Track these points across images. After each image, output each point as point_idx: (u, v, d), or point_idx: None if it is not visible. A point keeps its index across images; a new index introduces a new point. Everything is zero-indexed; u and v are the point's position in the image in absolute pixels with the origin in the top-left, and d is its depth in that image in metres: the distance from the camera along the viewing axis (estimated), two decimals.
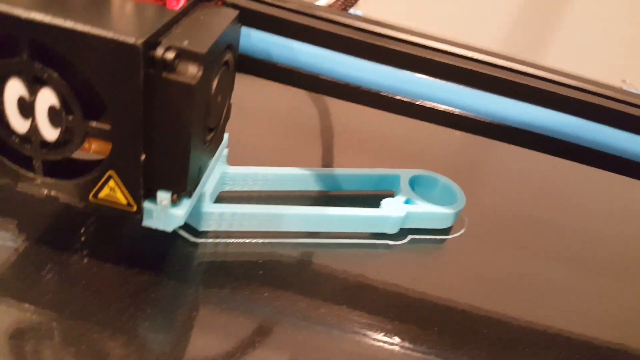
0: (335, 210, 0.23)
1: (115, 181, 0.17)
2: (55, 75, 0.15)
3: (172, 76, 0.15)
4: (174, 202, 0.17)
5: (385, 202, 0.24)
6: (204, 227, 0.22)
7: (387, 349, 0.19)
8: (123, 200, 0.17)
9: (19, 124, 0.16)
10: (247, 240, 0.22)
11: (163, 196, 0.17)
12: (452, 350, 0.19)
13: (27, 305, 0.17)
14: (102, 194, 0.17)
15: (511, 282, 0.23)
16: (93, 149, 0.17)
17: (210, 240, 0.22)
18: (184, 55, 0.15)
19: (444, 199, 0.25)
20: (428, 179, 0.26)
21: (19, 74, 0.15)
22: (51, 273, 0.18)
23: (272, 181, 0.24)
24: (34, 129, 0.16)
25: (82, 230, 0.20)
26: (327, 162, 0.29)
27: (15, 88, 0.15)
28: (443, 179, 0.26)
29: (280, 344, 0.18)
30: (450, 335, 0.20)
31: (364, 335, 0.19)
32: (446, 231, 0.25)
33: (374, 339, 0.19)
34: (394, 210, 0.24)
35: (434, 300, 0.21)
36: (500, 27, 0.61)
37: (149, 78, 0.15)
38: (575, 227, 0.29)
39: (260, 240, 0.22)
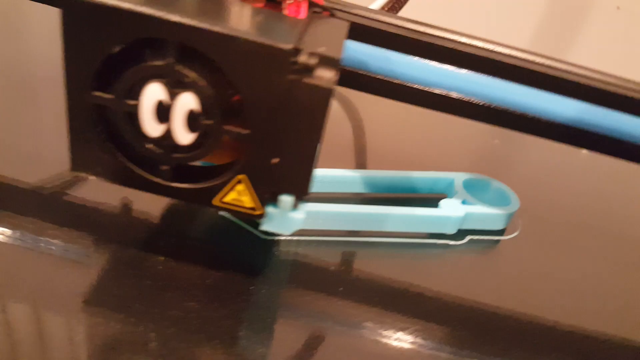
0: (400, 210, 0.24)
1: (244, 185, 0.17)
2: (200, 80, 0.15)
3: (312, 80, 0.15)
4: (295, 207, 0.18)
5: (443, 202, 0.25)
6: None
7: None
8: (248, 204, 0.17)
9: (153, 128, 0.16)
10: (315, 238, 0.23)
11: (286, 200, 0.17)
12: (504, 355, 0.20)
13: (118, 315, 0.17)
14: (228, 198, 0.17)
15: (565, 285, 0.24)
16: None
17: (283, 238, 0.22)
18: (322, 61, 0.15)
19: (497, 202, 0.26)
20: (480, 182, 0.27)
21: (161, 77, 0.15)
22: (135, 280, 0.18)
23: (321, 183, 0.25)
24: (167, 133, 0.16)
25: (160, 236, 0.20)
26: (363, 164, 0.30)
27: (154, 91, 0.16)
28: (496, 182, 0.27)
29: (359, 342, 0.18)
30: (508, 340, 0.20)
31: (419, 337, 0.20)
32: (500, 233, 0.26)
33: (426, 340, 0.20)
34: (454, 211, 0.25)
35: (494, 303, 0.22)
36: (530, 28, 0.62)
37: (290, 83, 0.15)
38: (632, 233, 0.29)
39: (327, 239, 0.23)
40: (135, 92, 0.16)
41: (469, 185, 0.27)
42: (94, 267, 0.18)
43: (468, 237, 0.25)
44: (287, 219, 0.18)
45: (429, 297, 0.22)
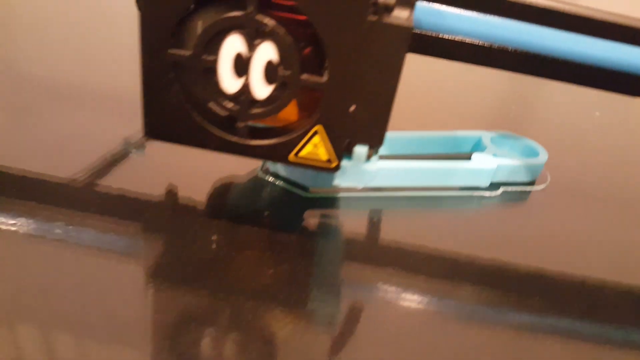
0: (436, 164, 0.24)
1: (320, 137, 0.17)
2: (280, 28, 0.15)
3: (391, 20, 0.15)
4: (369, 158, 0.18)
5: (475, 156, 0.26)
6: (318, 184, 0.22)
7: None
8: (324, 157, 0.17)
9: (231, 83, 0.16)
10: (351, 195, 0.23)
11: (360, 151, 0.18)
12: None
13: (185, 289, 0.17)
14: (303, 152, 0.17)
15: (594, 235, 0.25)
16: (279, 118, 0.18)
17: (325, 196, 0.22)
18: (400, 1, 0.16)
19: (525, 155, 0.27)
20: (508, 138, 0.28)
21: (241, 28, 0.15)
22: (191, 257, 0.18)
23: None
24: (245, 87, 0.16)
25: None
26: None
27: (234, 44, 0.16)
28: (523, 138, 0.28)
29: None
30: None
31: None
32: (531, 184, 0.27)
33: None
34: (487, 163, 0.25)
35: (530, 250, 0.23)
36: None
37: (370, 24, 0.15)
38: None
39: (363, 195, 0.23)
40: (212, 48, 0.16)
41: (497, 142, 0.28)
42: (152, 251, 0.18)
43: (502, 189, 0.26)
44: (361, 171, 0.18)
45: (470, 243, 0.22)
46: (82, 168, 0.20)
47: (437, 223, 0.23)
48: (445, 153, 0.28)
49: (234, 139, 0.17)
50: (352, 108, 0.16)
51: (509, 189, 0.26)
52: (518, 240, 0.23)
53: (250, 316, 0.15)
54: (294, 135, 0.17)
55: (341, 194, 0.23)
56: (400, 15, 0.15)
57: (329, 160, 0.17)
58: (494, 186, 0.26)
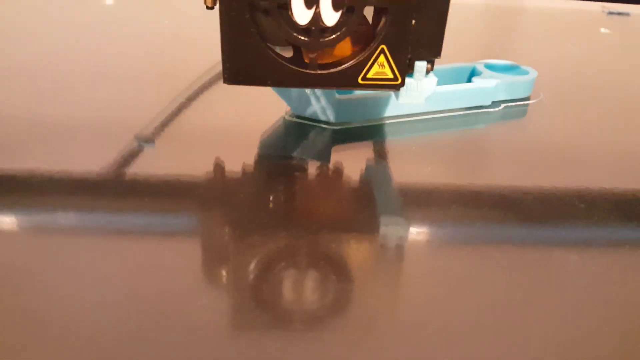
0: (443, 88, 0.26)
1: (385, 56, 0.19)
2: None
3: None
4: (428, 72, 0.20)
5: (475, 79, 0.28)
6: (340, 118, 0.25)
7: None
8: (390, 75, 0.19)
9: (303, 15, 0.18)
10: (369, 124, 0.25)
11: (421, 66, 0.19)
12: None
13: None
14: (371, 74, 0.19)
15: (589, 139, 0.28)
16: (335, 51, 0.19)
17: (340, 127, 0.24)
18: None
19: (517, 75, 0.30)
20: (498, 65, 0.31)
21: None
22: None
23: None
24: (316, 16, 0.18)
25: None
26: None
27: None
28: (512, 63, 0.31)
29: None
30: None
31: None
32: (527, 99, 0.30)
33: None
34: (486, 83, 0.28)
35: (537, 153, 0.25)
36: None
37: None
38: None
39: (379, 123, 0.25)
40: None
41: (490, 68, 0.31)
42: (226, 210, 0.19)
43: (503, 105, 0.29)
44: (422, 85, 0.20)
45: (487, 150, 0.25)
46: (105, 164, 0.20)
47: (457, 138, 0.25)
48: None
49: (308, 70, 0.18)
50: (413, 22, 0.18)
51: (509, 105, 0.29)
52: (525, 143, 0.26)
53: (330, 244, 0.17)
54: (362, 57, 0.18)
55: (361, 124, 0.25)
56: None
57: (395, 78, 0.19)
58: (495, 104, 0.29)
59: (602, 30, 0.52)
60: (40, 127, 0.23)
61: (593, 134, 0.28)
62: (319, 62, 0.18)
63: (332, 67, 0.19)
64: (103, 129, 0.23)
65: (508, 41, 0.48)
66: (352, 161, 0.22)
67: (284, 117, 0.25)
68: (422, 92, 0.20)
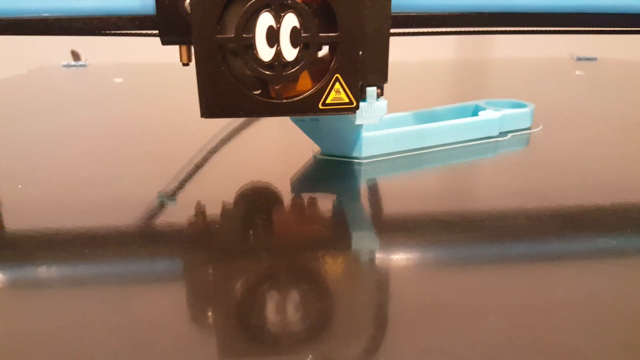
0: (455, 122, 0.29)
1: (340, 83, 0.22)
2: (297, 1, 0.21)
3: None
4: (379, 96, 0.23)
5: (481, 113, 0.31)
6: (368, 153, 0.27)
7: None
8: (346, 99, 0.23)
9: (266, 53, 0.22)
10: (392, 157, 0.27)
11: (371, 90, 0.23)
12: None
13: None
14: (329, 99, 0.23)
15: (587, 158, 0.29)
16: (298, 87, 0.23)
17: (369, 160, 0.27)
18: None
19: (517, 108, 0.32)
20: (496, 102, 0.34)
21: (268, 6, 0.21)
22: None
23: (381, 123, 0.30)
24: (278, 53, 0.22)
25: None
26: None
27: (265, 19, 0.21)
28: (509, 99, 0.34)
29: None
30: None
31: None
32: (528, 129, 0.32)
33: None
34: (492, 115, 0.30)
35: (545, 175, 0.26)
36: None
37: None
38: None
39: (397, 157, 0.28)
40: (248, 27, 0.21)
41: (490, 104, 0.33)
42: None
43: (510, 135, 0.31)
44: (374, 108, 0.23)
45: (504, 174, 0.27)
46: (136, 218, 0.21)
47: (473, 167, 0.28)
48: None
49: (274, 101, 0.22)
50: (360, 53, 0.22)
51: (515, 134, 0.31)
52: (537, 166, 0.27)
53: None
54: (319, 87, 0.22)
55: (383, 158, 0.27)
56: None
57: (350, 102, 0.23)
58: (502, 134, 0.31)
59: (577, 72, 0.57)
60: (76, 187, 0.25)
61: (593, 149, 0.30)
62: (284, 96, 0.22)
63: (295, 97, 0.22)
64: (128, 188, 0.24)
65: (498, 85, 0.53)
66: (383, 192, 0.24)
67: (314, 156, 0.27)
68: (375, 113, 0.23)
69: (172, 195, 0.23)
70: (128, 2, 0.24)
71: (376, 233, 0.19)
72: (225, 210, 0.21)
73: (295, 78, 0.22)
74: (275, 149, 0.31)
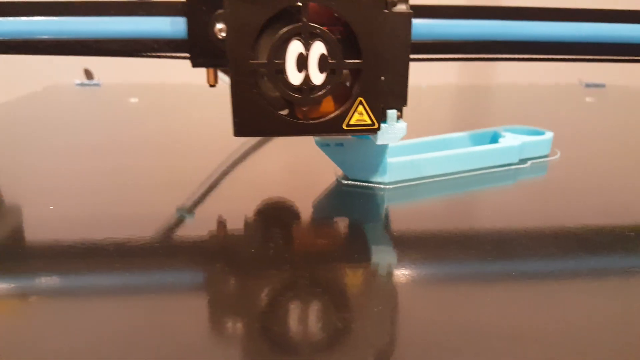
0: (477, 149, 0.30)
1: (363, 106, 0.23)
2: (325, 30, 0.22)
3: (398, 10, 0.22)
4: (398, 118, 0.24)
5: (501, 140, 0.31)
6: (392, 179, 0.27)
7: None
8: (368, 121, 0.23)
9: (295, 77, 0.22)
10: (416, 183, 0.28)
11: (392, 113, 0.23)
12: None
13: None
14: (352, 121, 0.23)
15: (605, 183, 0.30)
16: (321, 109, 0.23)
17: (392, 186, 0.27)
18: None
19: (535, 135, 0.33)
20: (514, 128, 0.34)
21: (299, 35, 0.22)
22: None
23: (402, 148, 0.30)
24: (306, 78, 0.22)
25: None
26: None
27: (295, 47, 0.22)
28: (527, 126, 0.34)
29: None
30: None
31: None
32: (546, 156, 0.32)
33: None
34: (513, 141, 0.31)
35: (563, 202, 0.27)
36: None
37: (384, 16, 0.22)
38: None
39: (419, 183, 0.28)
40: (280, 54, 0.22)
41: (509, 131, 0.34)
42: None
43: (529, 162, 0.31)
44: (394, 128, 0.24)
45: (527, 200, 0.27)
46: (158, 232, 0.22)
47: (499, 195, 0.28)
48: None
49: (301, 121, 0.22)
50: (382, 78, 0.22)
51: (534, 162, 0.32)
52: (557, 192, 0.28)
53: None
54: (344, 108, 0.23)
55: (407, 184, 0.27)
56: (402, 7, 0.22)
57: (372, 123, 0.23)
58: (522, 161, 0.31)
59: (587, 99, 0.57)
60: (95, 202, 0.25)
61: (610, 177, 0.30)
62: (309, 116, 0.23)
63: (320, 118, 0.23)
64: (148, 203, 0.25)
65: (509, 111, 0.54)
66: (407, 217, 0.24)
67: (337, 180, 0.28)
68: (395, 134, 0.24)
69: (190, 211, 0.24)
70: (162, 26, 0.25)
71: (395, 250, 0.20)
72: (245, 225, 0.22)
73: (320, 100, 0.23)
74: (300, 172, 0.31)
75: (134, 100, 0.52)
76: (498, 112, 0.54)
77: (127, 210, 0.24)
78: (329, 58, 0.22)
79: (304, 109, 0.23)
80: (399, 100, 0.23)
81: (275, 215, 0.24)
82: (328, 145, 0.27)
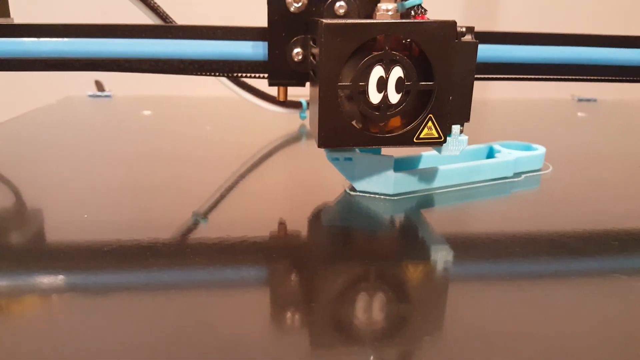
0: (474, 163, 0.34)
1: (432, 122, 0.28)
2: (404, 57, 0.26)
3: (465, 39, 0.27)
4: (461, 132, 0.28)
5: (497, 154, 0.36)
6: (397, 190, 0.31)
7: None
8: (436, 135, 0.28)
9: (375, 97, 0.27)
10: (419, 194, 0.32)
11: (456, 128, 0.28)
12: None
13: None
14: (422, 135, 0.28)
15: (594, 193, 0.35)
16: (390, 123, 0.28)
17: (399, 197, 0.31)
18: (467, 29, 0.27)
19: (529, 150, 0.38)
20: (508, 144, 0.39)
21: (381, 61, 0.26)
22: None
23: (405, 162, 0.34)
24: (385, 97, 0.27)
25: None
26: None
27: (377, 71, 0.26)
28: (520, 142, 0.39)
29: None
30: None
31: None
32: (538, 170, 0.37)
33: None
34: (508, 156, 0.35)
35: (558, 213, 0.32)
36: None
37: (454, 45, 0.27)
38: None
39: (421, 194, 0.32)
40: (363, 77, 0.26)
41: (505, 146, 0.38)
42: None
43: (523, 175, 0.36)
44: (457, 141, 0.28)
45: (520, 212, 0.32)
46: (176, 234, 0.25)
47: (496, 205, 0.32)
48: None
49: (378, 135, 0.27)
50: (450, 98, 0.27)
51: (527, 175, 0.36)
52: (550, 203, 0.32)
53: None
54: (416, 123, 0.27)
55: (411, 195, 0.31)
56: (468, 37, 0.27)
57: (439, 137, 0.28)
58: (516, 175, 0.36)
59: (579, 114, 0.62)
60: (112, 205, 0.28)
61: (600, 189, 0.35)
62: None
63: (392, 132, 0.27)
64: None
65: (503, 126, 0.58)
66: (410, 224, 0.28)
67: (345, 191, 0.31)
68: (457, 146, 0.28)
69: (205, 216, 0.28)
70: (246, 50, 0.29)
71: (400, 252, 0.25)
72: (253, 228, 0.26)
73: (395, 116, 0.27)
74: (308, 183, 0.35)
75: (147, 112, 0.54)
76: (493, 126, 0.58)
77: (146, 216, 0.27)
78: (405, 80, 0.26)
79: (381, 124, 0.27)
80: (462, 116, 0.28)
81: (286, 220, 0.27)
82: (337, 159, 0.30)
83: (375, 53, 0.26)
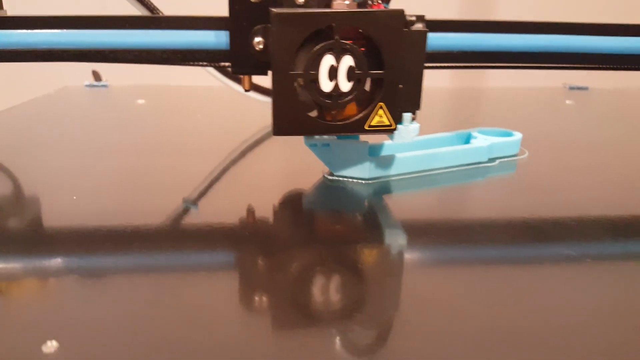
0: (449, 149, 0.35)
1: (383, 110, 0.28)
2: (354, 46, 0.27)
3: (416, 28, 0.27)
4: (413, 120, 0.29)
5: (472, 140, 0.36)
6: (372, 175, 0.32)
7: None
8: (387, 122, 0.28)
9: (326, 85, 0.27)
10: (394, 178, 0.33)
11: (407, 115, 0.29)
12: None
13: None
14: (373, 122, 0.28)
15: (567, 181, 0.36)
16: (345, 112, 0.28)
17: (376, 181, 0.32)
18: (417, 18, 0.28)
19: (506, 136, 0.38)
20: (486, 130, 0.39)
21: (331, 50, 0.27)
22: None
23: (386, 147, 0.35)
24: (336, 86, 0.27)
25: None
26: None
27: (328, 60, 0.27)
28: (498, 128, 0.39)
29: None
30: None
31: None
32: (515, 156, 0.38)
33: None
34: (483, 142, 0.36)
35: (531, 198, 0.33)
36: None
37: (404, 34, 0.27)
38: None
39: (397, 179, 0.33)
40: (314, 65, 0.27)
41: (482, 132, 0.39)
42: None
43: (498, 160, 0.37)
44: (409, 129, 0.29)
45: (493, 197, 0.33)
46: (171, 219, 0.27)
47: (466, 189, 0.33)
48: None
49: (330, 123, 0.28)
50: (400, 86, 0.28)
51: (502, 160, 0.37)
52: (523, 189, 0.33)
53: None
54: (367, 111, 0.28)
55: (386, 179, 0.33)
56: (419, 26, 0.28)
57: (390, 125, 0.28)
58: (491, 160, 0.37)
59: (567, 102, 0.63)
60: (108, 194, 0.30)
61: (575, 175, 0.36)
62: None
63: (347, 120, 0.28)
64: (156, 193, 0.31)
65: (490, 114, 0.59)
66: (387, 205, 0.30)
67: (324, 176, 0.33)
68: (409, 134, 0.29)
69: (195, 202, 0.29)
70: (207, 39, 0.30)
71: (372, 232, 0.26)
72: (240, 212, 0.27)
73: (346, 105, 0.28)
74: (289, 169, 0.36)
75: (141, 102, 0.56)
76: (481, 114, 0.59)
77: (138, 202, 0.29)
78: (355, 69, 0.27)
79: (333, 112, 0.28)
80: (413, 104, 0.29)
81: (270, 205, 0.29)
82: (315, 145, 0.31)
83: (325, 43, 0.27)
